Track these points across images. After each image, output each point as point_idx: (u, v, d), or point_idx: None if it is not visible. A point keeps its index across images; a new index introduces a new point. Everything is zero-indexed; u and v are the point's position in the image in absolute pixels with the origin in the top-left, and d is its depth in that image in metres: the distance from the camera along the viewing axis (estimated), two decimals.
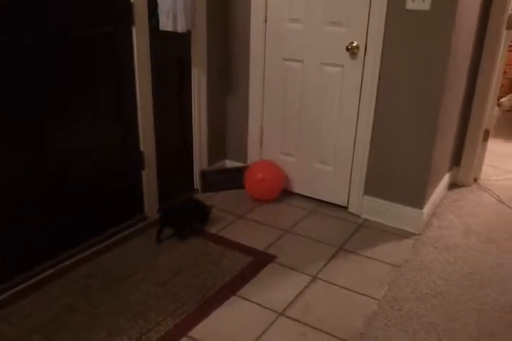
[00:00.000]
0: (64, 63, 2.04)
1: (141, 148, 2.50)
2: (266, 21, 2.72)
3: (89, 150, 2.26)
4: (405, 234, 2.55)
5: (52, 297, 1.95)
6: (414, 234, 2.56)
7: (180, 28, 2.43)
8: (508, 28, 2.90)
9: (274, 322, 1.87)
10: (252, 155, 3.04)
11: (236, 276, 2.11)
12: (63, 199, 2.19)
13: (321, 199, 2.86)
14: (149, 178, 2.58)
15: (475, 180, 3.27)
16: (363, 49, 2.45)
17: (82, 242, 2.31)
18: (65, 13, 1.99)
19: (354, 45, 2.45)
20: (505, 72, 5.25)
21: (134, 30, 2.29)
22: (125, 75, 2.33)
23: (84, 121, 2.20)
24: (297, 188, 2.93)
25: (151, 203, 2.63)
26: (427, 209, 2.61)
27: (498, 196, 3.07)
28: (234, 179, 2.97)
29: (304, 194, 2.90)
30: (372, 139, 2.56)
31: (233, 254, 2.28)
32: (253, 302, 1.98)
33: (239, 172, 2.99)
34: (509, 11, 2.84)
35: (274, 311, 1.93)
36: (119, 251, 2.29)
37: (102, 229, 2.41)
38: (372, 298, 2.04)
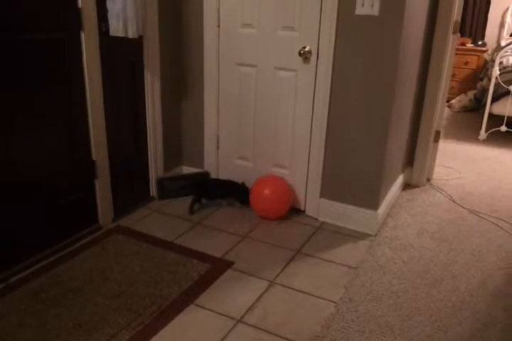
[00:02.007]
0: (8, 69, 1.96)
1: (94, 157, 2.44)
2: (219, 26, 2.71)
3: (38, 160, 2.18)
4: (361, 236, 2.60)
5: (0, 314, 1.87)
6: (369, 235, 2.60)
7: (132, 34, 2.40)
8: (454, 32, 3.01)
9: (232, 329, 1.86)
10: (209, 161, 3.02)
11: (193, 284, 2.09)
12: (12, 210, 2.10)
13: None
14: (103, 188, 2.52)
15: (428, 180, 3.37)
16: (315, 53, 2.48)
17: (34, 255, 2.23)
18: (8, 17, 1.92)
19: (306, 49, 2.48)
20: (454, 75, 5.47)
21: (82, 35, 2.24)
22: (74, 82, 2.27)
23: (32, 130, 2.12)
24: None
25: (105, 213, 2.57)
26: (382, 210, 2.67)
27: (450, 195, 3.17)
28: (190, 185, 2.94)
29: None
30: (326, 143, 2.59)
31: (190, 262, 2.25)
32: (211, 310, 1.96)
33: (195, 178, 2.97)
34: (455, 16, 2.95)
35: (232, 318, 1.92)
36: (72, 263, 2.23)
37: (55, 241, 2.33)
38: (329, 300, 2.06)
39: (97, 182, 2.49)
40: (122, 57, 2.52)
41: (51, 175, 2.27)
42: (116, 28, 2.35)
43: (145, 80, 2.68)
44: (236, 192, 2.82)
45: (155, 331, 1.82)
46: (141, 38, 2.55)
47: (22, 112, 2.07)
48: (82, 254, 2.30)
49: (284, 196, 2.68)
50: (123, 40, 2.40)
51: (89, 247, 2.36)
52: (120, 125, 2.60)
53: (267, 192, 2.65)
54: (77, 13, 2.20)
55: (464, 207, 3.01)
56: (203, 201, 2.84)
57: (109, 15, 2.33)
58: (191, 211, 2.74)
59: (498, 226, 2.78)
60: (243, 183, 2.83)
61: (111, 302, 1.96)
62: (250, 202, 2.73)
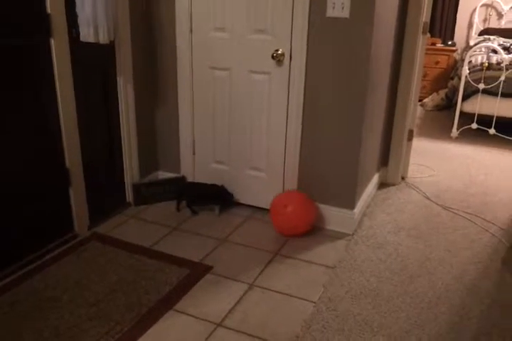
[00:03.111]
0: None
1: (67, 165, 2.41)
2: (191, 31, 2.71)
3: (10, 167, 2.15)
4: (339, 235, 2.62)
5: None
6: (347, 235, 2.63)
7: (103, 39, 2.38)
8: (423, 33, 3.07)
9: (212, 333, 1.86)
10: (185, 165, 3.01)
11: (172, 290, 2.08)
12: None
13: (256, 205, 2.87)
14: (77, 195, 2.49)
15: (402, 178, 3.43)
16: (288, 56, 2.50)
17: (7, 267, 2.18)
18: None
19: (279, 52, 2.50)
20: (426, 74, 5.57)
21: (52, 42, 2.21)
22: (45, 89, 2.24)
23: (2, 138, 2.09)
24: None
25: (80, 220, 2.53)
26: (358, 209, 2.70)
27: (424, 193, 3.23)
28: (167, 190, 2.93)
29: (239, 201, 2.91)
30: (301, 144, 2.61)
31: (169, 268, 2.24)
32: (190, 315, 1.95)
33: (171, 183, 2.96)
34: (424, 17, 3.01)
35: (211, 322, 1.92)
36: (48, 273, 2.19)
37: (29, 251, 2.29)
38: (309, 300, 2.08)
39: (71, 190, 2.45)
40: (94, 63, 2.50)
41: (24, 183, 2.23)
42: (86, 34, 2.32)
43: (118, 86, 2.65)
44: (220, 196, 2.81)
45: (134, 338, 1.81)
46: (112, 43, 2.53)
47: None
48: (58, 263, 2.26)
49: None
50: (94, 46, 2.37)
51: (65, 256, 2.33)
52: (94, 131, 2.57)
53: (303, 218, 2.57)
54: (46, 18, 2.17)
55: (438, 204, 3.06)
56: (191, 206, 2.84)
57: (79, 20, 2.30)
58: (178, 209, 2.84)
59: (471, 221, 2.84)
60: (223, 186, 2.84)
61: (88, 311, 1.94)
62: (278, 225, 2.61)
